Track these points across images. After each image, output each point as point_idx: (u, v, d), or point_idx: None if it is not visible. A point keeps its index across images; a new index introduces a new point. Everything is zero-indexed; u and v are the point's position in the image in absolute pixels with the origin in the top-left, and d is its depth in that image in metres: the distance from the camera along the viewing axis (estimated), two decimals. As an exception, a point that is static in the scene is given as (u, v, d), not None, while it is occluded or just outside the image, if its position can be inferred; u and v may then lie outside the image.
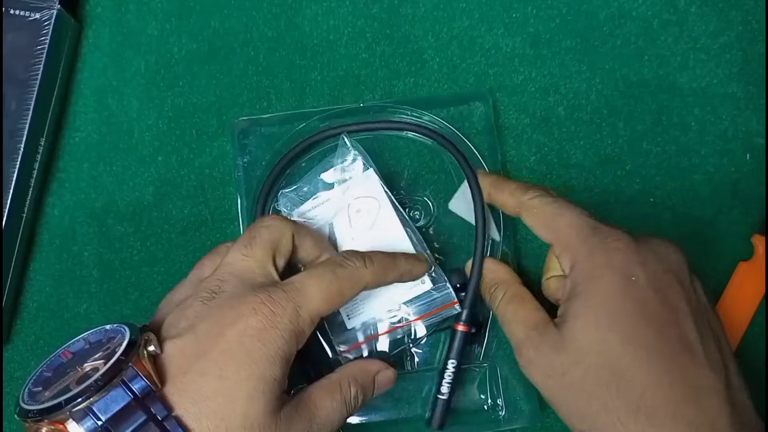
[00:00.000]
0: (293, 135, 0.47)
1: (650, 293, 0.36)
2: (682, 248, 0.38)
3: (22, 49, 0.45)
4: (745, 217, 0.47)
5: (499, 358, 0.45)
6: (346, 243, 0.44)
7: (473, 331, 0.44)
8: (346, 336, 0.44)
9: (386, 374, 0.40)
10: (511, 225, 0.46)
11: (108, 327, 0.34)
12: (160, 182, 0.49)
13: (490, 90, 0.49)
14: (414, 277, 0.41)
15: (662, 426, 0.33)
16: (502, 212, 0.44)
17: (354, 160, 0.44)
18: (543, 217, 0.40)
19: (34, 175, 0.47)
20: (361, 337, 0.44)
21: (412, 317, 0.43)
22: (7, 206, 0.44)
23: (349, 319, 0.44)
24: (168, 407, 0.31)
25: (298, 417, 0.35)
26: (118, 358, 0.31)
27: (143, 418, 0.30)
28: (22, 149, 0.45)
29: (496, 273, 0.43)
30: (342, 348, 0.44)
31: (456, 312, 0.44)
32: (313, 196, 0.45)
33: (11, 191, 0.45)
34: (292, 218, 0.44)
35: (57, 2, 0.46)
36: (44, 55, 0.46)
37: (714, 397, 0.34)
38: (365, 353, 0.44)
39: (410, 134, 0.48)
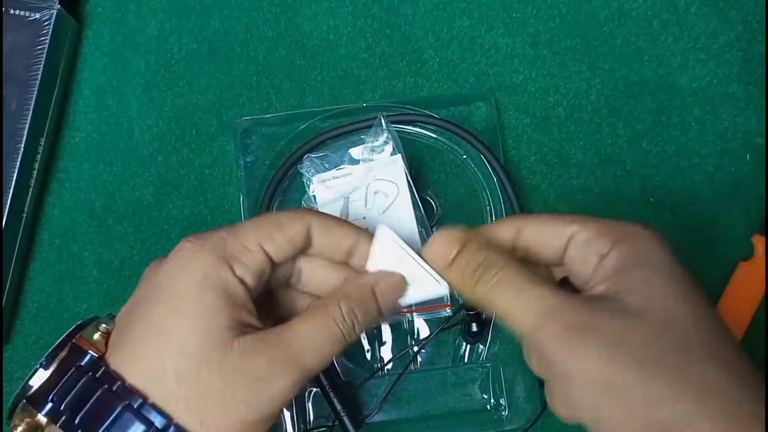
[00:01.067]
0: (296, 135, 0.47)
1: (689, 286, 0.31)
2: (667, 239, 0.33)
3: (22, 49, 0.45)
4: (745, 217, 0.47)
5: (502, 358, 0.45)
6: (357, 221, 0.44)
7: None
8: None
9: (389, 281, 0.35)
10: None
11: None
12: (160, 182, 0.49)
13: (490, 90, 0.49)
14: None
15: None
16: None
17: (386, 142, 0.45)
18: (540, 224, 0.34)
19: (34, 175, 0.47)
20: None
21: (405, 308, 0.44)
22: (7, 206, 0.44)
23: None
24: (105, 365, 0.31)
25: (264, 347, 0.31)
26: (61, 339, 0.32)
27: (84, 380, 0.31)
28: (22, 149, 0.45)
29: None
30: None
31: (448, 314, 0.44)
32: (337, 167, 0.45)
33: (11, 191, 0.44)
34: (312, 183, 0.45)
35: (57, 2, 0.46)
36: (44, 55, 0.46)
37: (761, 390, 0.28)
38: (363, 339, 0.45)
39: (412, 132, 0.48)
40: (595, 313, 0.29)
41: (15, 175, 0.45)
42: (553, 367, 0.30)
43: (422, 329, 0.45)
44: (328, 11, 0.50)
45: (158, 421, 0.29)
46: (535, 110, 0.49)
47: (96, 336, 0.32)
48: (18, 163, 0.45)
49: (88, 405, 0.30)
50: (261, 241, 0.33)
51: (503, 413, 0.45)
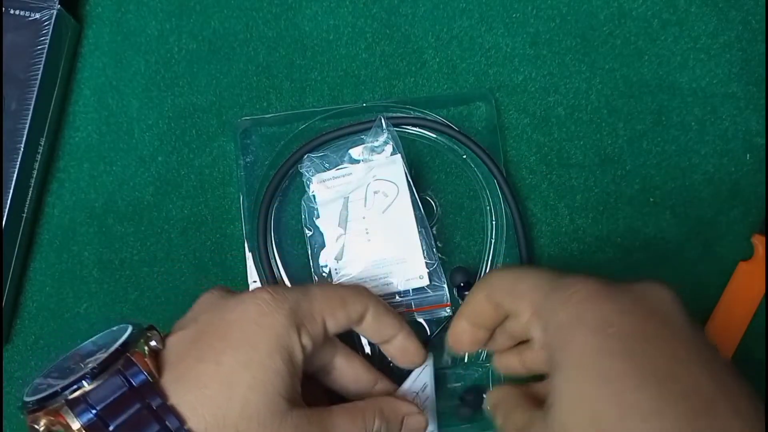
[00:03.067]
0: (296, 135, 0.47)
1: (636, 343, 0.29)
2: (672, 288, 0.31)
3: (22, 49, 0.45)
4: (745, 217, 0.47)
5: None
6: (356, 220, 0.44)
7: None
8: None
9: (417, 419, 0.38)
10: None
11: (115, 328, 0.34)
12: (160, 182, 0.49)
13: (490, 90, 0.49)
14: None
15: None
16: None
17: (386, 142, 0.45)
18: (504, 286, 0.35)
19: (34, 175, 0.47)
20: None
21: (403, 308, 0.44)
22: (7, 206, 0.44)
23: None
24: (163, 396, 0.30)
25: (311, 426, 0.32)
26: (116, 349, 0.31)
27: (137, 407, 0.30)
28: (22, 149, 0.45)
29: (495, 396, 0.39)
30: None
31: (448, 314, 0.44)
32: (337, 167, 0.45)
33: (11, 191, 0.44)
34: (311, 183, 0.45)
35: (57, 2, 0.46)
36: (44, 55, 0.45)
37: None
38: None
39: (412, 132, 0.48)
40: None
41: (15, 175, 0.45)
42: None
43: (422, 329, 0.45)
44: (328, 11, 0.50)
45: None
46: (535, 110, 0.49)
47: (145, 352, 0.32)
48: (18, 163, 0.45)
49: None
50: (325, 313, 0.34)
51: (503, 413, 0.45)
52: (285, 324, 0.32)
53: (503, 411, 0.36)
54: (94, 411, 0.29)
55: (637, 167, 0.48)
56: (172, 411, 0.30)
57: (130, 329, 0.32)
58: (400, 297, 0.44)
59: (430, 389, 0.42)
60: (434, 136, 0.47)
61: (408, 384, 0.41)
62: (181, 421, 0.30)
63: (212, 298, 0.35)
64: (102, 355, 0.31)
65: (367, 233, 0.44)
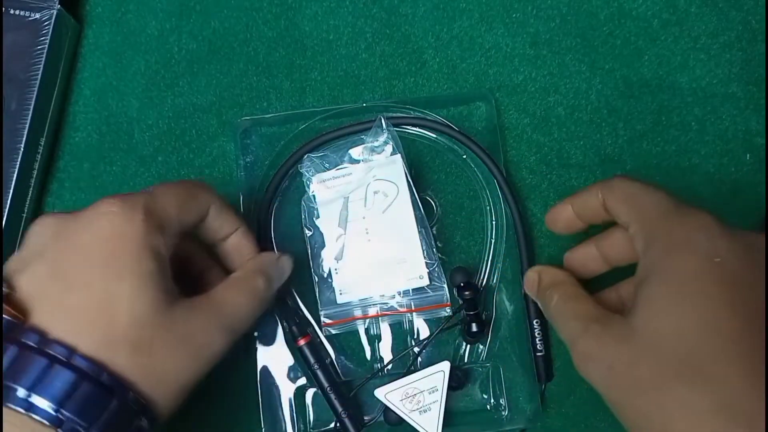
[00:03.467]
0: (296, 135, 0.47)
1: (738, 278, 0.30)
2: None
3: (22, 49, 0.45)
4: (745, 217, 0.47)
5: (502, 358, 0.45)
6: (356, 220, 0.44)
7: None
8: (335, 310, 0.44)
9: (282, 261, 0.40)
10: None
11: None
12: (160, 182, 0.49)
13: (490, 90, 0.49)
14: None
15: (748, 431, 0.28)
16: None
17: (386, 142, 0.45)
18: (625, 193, 0.36)
19: (34, 175, 0.47)
20: (358, 313, 0.44)
21: (403, 308, 0.44)
22: (7, 206, 0.44)
23: (341, 294, 0.44)
24: (40, 332, 0.29)
25: (200, 311, 0.33)
26: None
27: (13, 349, 0.28)
28: (22, 149, 0.45)
29: (552, 275, 0.40)
30: (327, 320, 0.44)
31: (448, 314, 0.44)
32: (337, 167, 0.45)
33: (11, 191, 0.44)
34: (311, 183, 0.45)
35: (57, 2, 0.46)
36: (44, 55, 0.45)
37: None
38: (361, 330, 0.45)
39: (412, 132, 0.48)
40: (598, 340, 0.33)
41: (15, 175, 0.45)
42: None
43: (422, 329, 0.45)
44: (328, 11, 0.50)
45: (116, 389, 0.29)
46: (535, 110, 0.49)
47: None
48: (18, 163, 0.45)
49: (33, 375, 0.28)
50: (178, 207, 0.35)
51: (503, 413, 0.45)
52: (144, 227, 0.32)
53: (563, 294, 0.38)
54: None
55: (637, 167, 0.48)
56: (57, 342, 0.29)
57: None
58: (400, 297, 0.44)
59: (440, 395, 0.42)
60: (434, 136, 0.47)
61: (415, 377, 0.41)
62: (70, 348, 0.29)
63: (47, 227, 0.33)
64: None
65: (367, 233, 0.44)
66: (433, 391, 0.42)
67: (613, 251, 0.39)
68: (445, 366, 0.42)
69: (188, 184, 0.37)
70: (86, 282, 0.31)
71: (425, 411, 0.42)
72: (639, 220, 0.34)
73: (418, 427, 0.42)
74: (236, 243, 0.40)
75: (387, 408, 0.43)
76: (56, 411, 0.28)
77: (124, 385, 0.29)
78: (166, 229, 0.34)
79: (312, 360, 0.43)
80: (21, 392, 0.28)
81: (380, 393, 0.42)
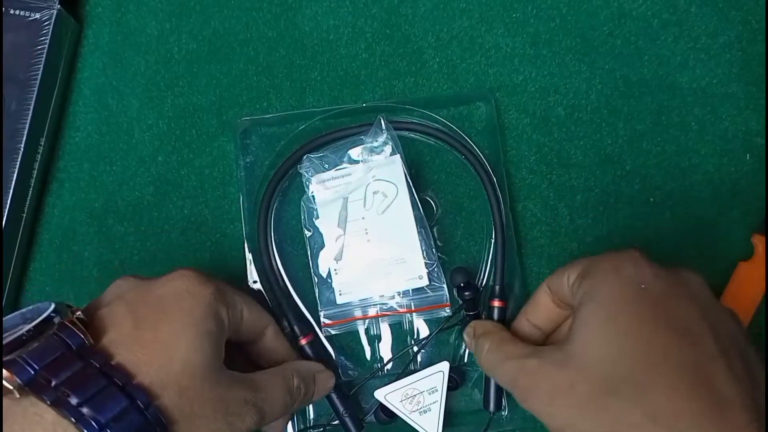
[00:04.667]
0: (295, 135, 0.47)
1: (663, 302, 0.33)
2: (704, 279, 0.35)
3: (22, 49, 0.45)
4: (745, 217, 0.47)
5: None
6: (356, 221, 0.44)
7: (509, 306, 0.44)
8: (335, 310, 0.44)
9: (324, 376, 0.42)
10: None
11: (36, 305, 0.34)
12: (160, 182, 0.49)
13: (490, 90, 0.49)
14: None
15: None
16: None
17: (385, 143, 0.45)
18: (560, 270, 0.38)
19: (34, 175, 0.47)
20: (358, 314, 0.44)
21: (403, 308, 0.44)
22: (7, 206, 0.44)
23: (340, 294, 0.44)
24: (106, 356, 0.31)
25: (242, 384, 0.35)
26: (48, 314, 0.31)
27: (80, 365, 0.30)
28: (22, 149, 0.45)
29: (483, 327, 0.41)
30: (327, 321, 0.44)
31: (448, 314, 0.44)
32: (336, 167, 0.45)
33: (11, 191, 0.44)
34: (311, 183, 0.45)
35: (57, 2, 0.46)
36: (44, 55, 0.46)
37: (740, 413, 0.30)
38: (361, 330, 0.45)
39: (412, 134, 0.48)
40: (538, 370, 0.34)
41: (15, 175, 0.45)
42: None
43: (422, 329, 0.45)
44: (328, 11, 0.50)
45: (160, 429, 0.31)
46: (535, 110, 0.49)
47: (74, 319, 0.32)
48: (18, 163, 0.45)
49: (91, 391, 0.30)
50: (244, 305, 0.38)
51: (503, 413, 0.45)
52: (213, 294, 0.36)
53: (494, 341, 0.39)
54: (34, 370, 0.29)
55: (637, 167, 0.48)
56: (119, 368, 0.31)
57: (53, 304, 0.32)
58: (399, 297, 0.44)
59: (440, 395, 0.42)
60: (433, 141, 0.48)
61: (415, 378, 0.41)
62: (130, 375, 0.31)
63: (128, 282, 0.37)
64: (34, 322, 0.31)
65: (367, 233, 0.44)
66: (433, 392, 0.42)
67: (541, 316, 0.41)
68: (444, 366, 0.42)
69: (253, 302, 0.41)
70: (155, 324, 0.33)
71: (425, 411, 0.42)
72: (575, 271, 0.36)
73: (418, 428, 0.42)
74: (271, 341, 0.42)
75: (378, 407, 0.43)
76: (101, 429, 0.29)
77: (165, 423, 0.31)
78: (230, 311, 0.37)
79: (313, 359, 0.43)
80: (74, 401, 0.29)
81: (380, 394, 0.42)
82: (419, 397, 0.42)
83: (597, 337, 0.33)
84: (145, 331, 0.33)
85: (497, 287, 0.44)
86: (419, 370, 0.43)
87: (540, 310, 0.40)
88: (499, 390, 0.44)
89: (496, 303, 0.44)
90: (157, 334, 0.33)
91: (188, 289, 0.35)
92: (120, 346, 0.32)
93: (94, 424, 0.29)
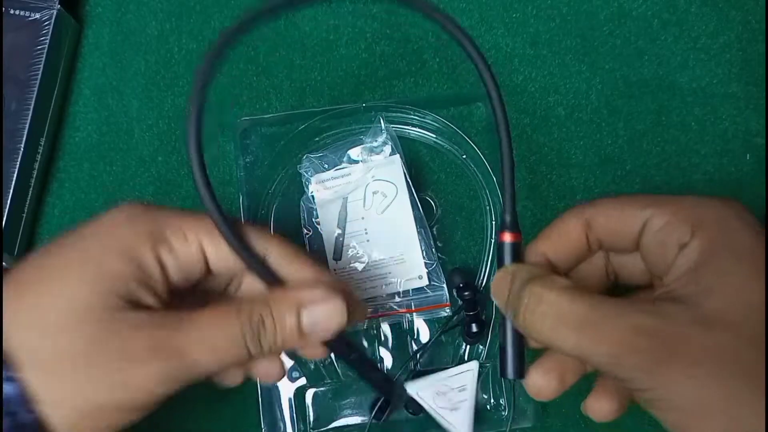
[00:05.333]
0: (295, 135, 0.47)
1: None
2: None
3: (22, 49, 0.45)
4: (745, 217, 0.47)
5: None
6: (355, 221, 0.44)
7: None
8: None
9: (326, 308, 0.30)
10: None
11: None
12: (160, 182, 0.49)
13: (490, 90, 0.49)
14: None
15: None
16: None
17: (385, 143, 0.45)
18: (621, 201, 0.32)
19: (34, 175, 0.47)
20: None
21: (403, 308, 0.44)
22: (7, 206, 0.44)
23: None
24: None
25: (148, 326, 0.28)
26: None
27: None
28: (22, 149, 0.45)
29: (525, 271, 0.32)
30: None
31: (448, 314, 0.44)
32: (336, 167, 0.45)
33: (11, 191, 0.44)
34: (310, 183, 0.44)
35: (57, 2, 0.46)
36: (44, 55, 0.46)
37: None
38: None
39: (412, 133, 0.48)
40: (673, 332, 0.27)
41: (15, 175, 0.45)
42: (641, 395, 0.28)
43: (422, 329, 0.45)
44: (328, 11, 0.50)
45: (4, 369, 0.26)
46: (535, 110, 0.49)
47: None
48: (18, 163, 0.45)
49: None
50: (202, 236, 0.31)
51: (503, 413, 0.45)
52: (138, 233, 0.29)
53: (560, 294, 0.29)
54: None
55: (637, 167, 0.48)
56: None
57: None
58: (399, 297, 0.44)
59: (469, 393, 0.42)
60: (434, 136, 0.47)
61: (446, 374, 0.41)
62: None
63: None
64: None
65: (366, 233, 0.44)
66: (462, 390, 0.42)
67: (564, 250, 0.33)
68: (473, 365, 0.42)
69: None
70: (49, 260, 0.29)
71: (455, 409, 0.42)
72: (665, 213, 0.30)
73: (449, 426, 0.41)
74: (250, 291, 0.34)
75: (406, 401, 0.42)
76: None
77: (12, 368, 0.27)
78: (174, 253, 0.30)
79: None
80: None
81: (412, 388, 0.42)
82: (450, 394, 0.41)
83: (745, 293, 0.27)
84: (47, 261, 0.29)
85: (508, 216, 0.34)
86: (449, 367, 0.43)
87: (565, 244, 0.33)
88: (522, 353, 0.34)
89: (508, 237, 0.34)
90: (42, 275, 0.28)
91: (110, 226, 0.30)
92: (6, 284, 0.28)
93: None
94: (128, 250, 0.29)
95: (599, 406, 0.32)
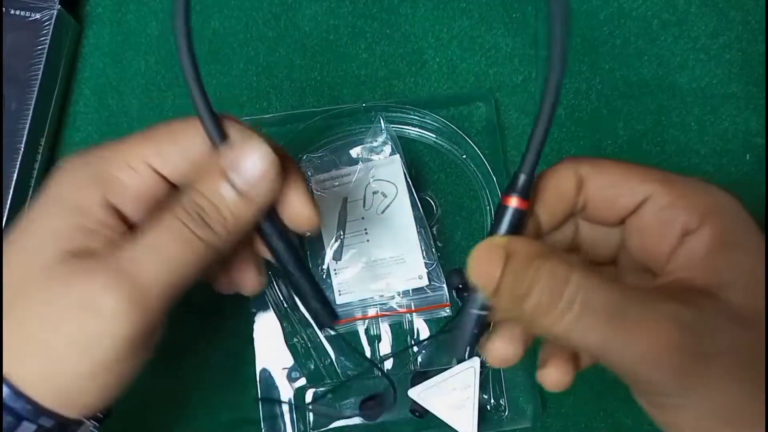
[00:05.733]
0: (295, 135, 0.47)
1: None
2: None
3: (23, 49, 0.45)
4: (745, 217, 0.47)
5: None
6: (355, 221, 0.44)
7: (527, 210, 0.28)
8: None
9: (251, 157, 0.28)
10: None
11: None
12: (160, 182, 0.49)
13: (490, 90, 0.49)
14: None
15: None
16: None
17: (385, 142, 0.45)
18: (621, 168, 0.29)
19: (34, 175, 0.47)
20: (357, 314, 0.44)
21: (403, 308, 0.44)
22: (7, 206, 0.44)
23: (340, 295, 0.44)
24: None
25: (93, 266, 0.26)
26: None
27: None
28: (22, 149, 0.45)
29: (528, 246, 0.25)
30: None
31: (448, 314, 0.44)
32: (336, 167, 0.45)
33: (11, 191, 0.44)
34: (311, 183, 0.44)
35: (57, 2, 0.46)
36: (44, 55, 0.46)
37: None
38: (361, 331, 0.45)
39: (412, 133, 0.48)
40: (712, 331, 0.24)
41: (15, 175, 0.45)
42: (662, 399, 0.25)
43: (422, 329, 0.45)
44: (328, 11, 0.50)
45: None
46: (535, 110, 0.49)
47: None
48: (18, 163, 0.45)
49: None
50: (147, 157, 0.28)
51: (503, 413, 0.45)
52: (75, 182, 0.28)
53: (575, 282, 0.24)
54: None
55: (637, 167, 0.48)
56: None
57: None
58: (399, 297, 0.44)
59: (473, 391, 0.41)
60: (434, 135, 0.48)
61: (447, 375, 0.41)
62: None
63: None
64: None
65: (366, 233, 0.44)
66: (465, 388, 0.41)
67: (549, 206, 0.29)
68: (475, 362, 0.42)
69: (168, 122, 0.30)
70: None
71: (459, 408, 0.41)
72: (669, 193, 0.27)
73: (454, 425, 0.41)
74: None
75: (411, 405, 0.42)
76: None
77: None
78: (122, 187, 0.28)
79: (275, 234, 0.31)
80: None
81: (414, 393, 0.42)
82: (453, 393, 0.41)
83: (755, 285, 0.25)
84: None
85: (523, 175, 0.28)
86: (450, 366, 0.42)
87: (553, 201, 0.28)
88: (476, 335, 0.29)
89: (514, 202, 0.27)
90: (8, 247, 0.27)
91: (52, 184, 0.28)
92: None
93: None
94: (69, 203, 0.27)
95: (554, 377, 0.29)
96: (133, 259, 0.26)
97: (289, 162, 0.30)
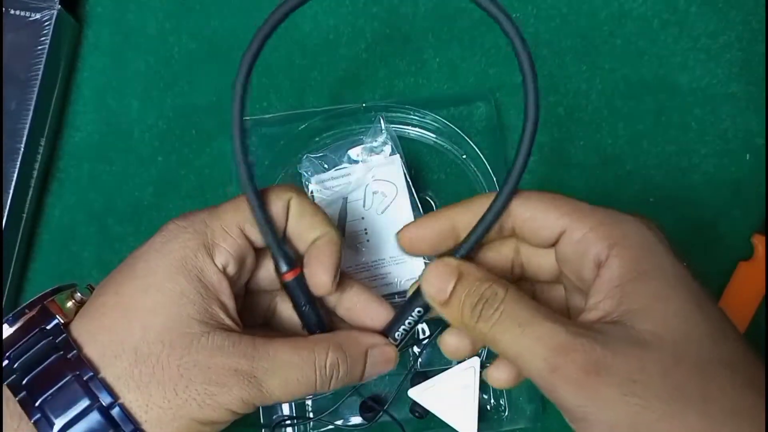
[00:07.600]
0: (295, 135, 0.47)
1: (676, 258, 0.29)
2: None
3: (22, 49, 0.45)
4: (745, 217, 0.47)
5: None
6: (355, 221, 0.44)
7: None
8: None
9: (384, 351, 0.33)
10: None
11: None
12: (160, 182, 0.49)
13: (490, 90, 0.49)
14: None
15: None
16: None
17: (384, 143, 0.45)
18: (544, 203, 0.31)
19: (34, 175, 0.47)
20: None
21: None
22: (7, 206, 0.44)
23: None
24: (66, 331, 0.30)
25: (236, 350, 0.30)
26: (31, 301, 0.32)
27: (41, 344, 0.30)
28: (22, 149, 0.45)
29: (470, 272, 0.31)
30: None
31: None
32: (336, 167, 0.45)
33: (11, 191, 0.45)
34: (310, 185, 0.44)
35: (57, 2, 0.46)
36: (44, 55, 0.46)
37: None
38: None
39: (412, 133, 0.48)
40: (608, 348, 0.26)
41: (15, 175, 0.45)
42: (570, 413, 0.27)
43: (422, 330, 0.45)
44: (328, 11, 0.50)
45: (103, 397, 0.28)
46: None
47: (69, 304, 0.32)
48: (18, 163, 0.45)
49: (40, 368, 0.29)
50: (240, 222, 0.32)
51: (503, 413, 0.45)
52: (190, 245, 0.31)
53: (508, 301, 0.29)
54: (9, 357, 0.30)
55: (637, 167, 0.48)
56: (71, 341, 0.30)
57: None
58: (399, 297, 0.44)
59: (473, 390, 0.41)
60: (434, 135, 0.47)
61: (446, 375, 0.41)
62: (77, 347, 0.29)
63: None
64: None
65: (366, 233, 0.44)
66: (465, 388, 0.41)
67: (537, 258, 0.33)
68: (474, 362, 0.42)
69: (265, 191, 0.33)
70: (117, 290, 0.31)
71: (459, 408, 0.41)
72: (584, 226, 0.29)
73: (455, 425, 0.41)
74: (324, 247, 0.33)
75: (411, 405, 0.43)
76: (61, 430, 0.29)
77: (113, 396, 0.29)
78: (224, 250, 0.32)
79: (302, 300, 0.34)
80: (38, 399, 0.29)
81: (414, 393, 0.42)
82: (454, 393, 0.41)
83: (683, 317, 0.27)
84: (107, 296, 0.31)
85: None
86: (450, 366, 0.42)
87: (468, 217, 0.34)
88: (413, 323, 0.34)
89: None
90: (118, 298, 0.30)
91: (159, 247, 0.31)
92: (82, 317, 0.31)
93: (48, 426, 0.28)
94: (191, 268, 0.31)
95: (498, 375, 0.33)
96: (262, 371, 0.30)
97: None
